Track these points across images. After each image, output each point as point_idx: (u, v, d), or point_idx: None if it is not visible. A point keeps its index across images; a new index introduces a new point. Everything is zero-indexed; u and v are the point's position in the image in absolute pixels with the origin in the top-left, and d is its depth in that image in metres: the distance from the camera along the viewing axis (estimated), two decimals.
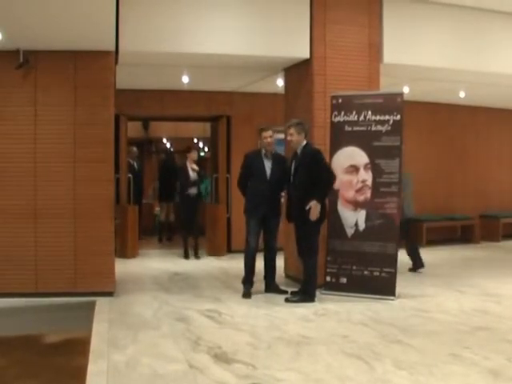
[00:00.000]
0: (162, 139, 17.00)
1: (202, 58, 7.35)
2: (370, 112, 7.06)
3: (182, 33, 6.95)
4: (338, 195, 7.12)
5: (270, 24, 7.26)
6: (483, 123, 12.68)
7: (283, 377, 4.30)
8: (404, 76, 8.87)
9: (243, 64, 7.92)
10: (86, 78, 6.85)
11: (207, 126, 13.57)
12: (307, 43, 7.44)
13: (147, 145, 16.74)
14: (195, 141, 17.13)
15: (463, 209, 12.33)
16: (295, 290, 6.92)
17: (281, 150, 9.30)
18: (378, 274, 6.93)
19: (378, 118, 7.03)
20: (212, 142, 12.21)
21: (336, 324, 5.79)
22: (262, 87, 10.02)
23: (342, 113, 7.18)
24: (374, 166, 7.01)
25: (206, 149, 16.87)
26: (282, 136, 8.71)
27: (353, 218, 7.08)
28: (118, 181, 9.75)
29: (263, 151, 7.17)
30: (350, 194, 7.10)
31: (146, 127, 15.45)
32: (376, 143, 7.02)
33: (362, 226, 7.05)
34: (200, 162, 11.79)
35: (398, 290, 6.94)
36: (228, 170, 10.62)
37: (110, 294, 6.92)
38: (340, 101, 7.20)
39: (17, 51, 6.66)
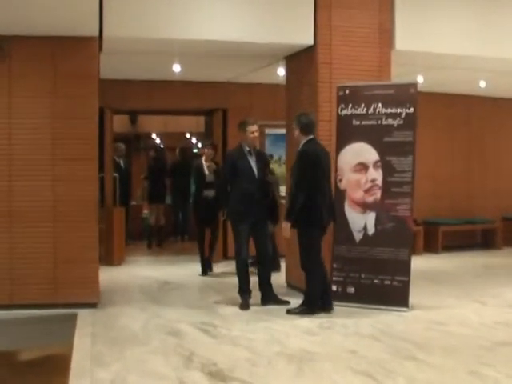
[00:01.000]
0: (151, 135, 16.99)
1: (194, 44, 7.33)
2: (380, 104, 7.05)
3: (172, 17, 6.94)
4: (344, 196, 7.11)
5: (269, 7, 7.25)
6: (505, 116, 12.66)
7: None
8: (418, 64, 8.86)
9: (240, 52, 7.89)
10: (66, 66, 6.83)
11: (201, 120, 13.56)
12: (311, 28, 7.42)
13: (135, 141, 16.72)
14: (187, 136, 17.14)
15: (483, 211, 12.33)
16: (286, 300, 6.97)
17: (282, 147, 9.34)
18: (389, 282, 6.91)
19: (389, 110, 7.02)
20: (206, 137, 12.18)
21: (343, 338, 5.77)
22: (262, 77, 10.00)
23: (350, 105, 7.16)
24: (384, 164, 6.99)
25: (200, 145, 16.86)
26: (283, 131, 8.71)
27: (361, 221, 7.06)
28: (102, 180, 9.74)
29: (246, 148, 7.13)
30: (358, 194, 7.09)
31: (133, 121, 15.44)
32: (387, 139, 7.00)
33: (371, 229, 7.04)
34: (192, 159, 11.80)
35: (412, 300, 6.92)
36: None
37: (93, 305, 6.90)
38: (347, 92, 7.19)
39: None
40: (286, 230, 6.52)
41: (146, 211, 12.62)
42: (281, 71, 8.91)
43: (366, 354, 5.24)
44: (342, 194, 7.10)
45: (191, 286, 8.39)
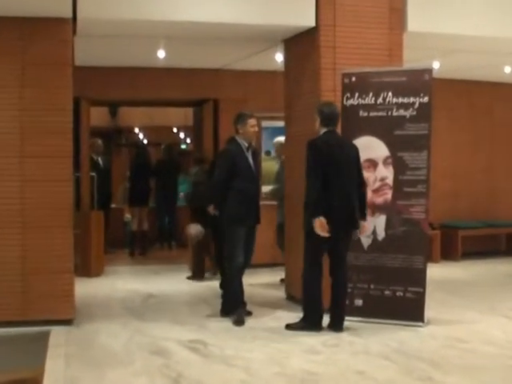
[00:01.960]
0: (133, 129, 17.00)
1: (181, 27, 7.33)
2: (390, 93, 7.04)
3: None
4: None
5: None
6: None
7: None
8: (433, 48, 8.86)
9: (233, 35, 7.90)
10: (36, 51, 6.81)
11: (189, 112, 13.56)
12: (312, 8, 7.42)
13: (115, 136, 16.73)
14: (175, 131, 17.15)
15: (508, 213, 12.33)
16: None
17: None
18: (401, 294, 6.91)
19: (400, 100, 7.01)
20: (195, 131, 12.20)
21: (350, 357, 5.77)
22: (257, 64, 10.00)
23: (356, 94, 7.16)
24: (395, 161, 6.99)
25: (188, 140, 16.88)
26: (281, 124, 8.70)
27: (370, 225, 7.04)
28: (78, 181, 9.73)
29: (244, 143, 7.18)
30: (367, 195, 7.08)
31: (113, 114, 15.44)
32: (398, 132, 7.00)
33: (381, 234, 7.04)
34: (179, 156, 11.80)
35: (428, 314, 6.92)
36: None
37: (68, 322, 6.88)
38: (353, 79, 7.18)
39: None
40: (321, 226, 6.37)
41: (127, 215, 12.62)
42: (279, 57, 8.90)
43: (376, 375, 5.24)
44: None
45: (179, 299, 8.38)
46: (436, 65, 9.39)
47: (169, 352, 5.93)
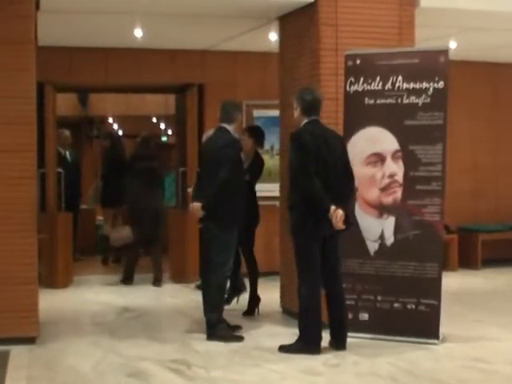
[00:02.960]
0: (106, 119, 16.96)
1: (161, 1, 7.32)
2: (400, 77, 7.06)
3: None
4: (355, 196, 7.11)
5: None
6: None
7: None
8: (449, 25, 8.88)
9: (221, 11, 7.90)
10: None
11: (171, 99, 13.53)
12: None
13: (85, 127, 16.69)
14: (154, 121, 17.12)
15: None
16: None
17: (275, 133, 9.33)
18: (413, 307, 6.92)
19: (412, 85, 7.03)
20: (178, 122, 12.17)
21: (354, 379, 5.77)
22: (248, 44, 10.01)
23: (362, 79, 7.17)
24: (406, 155, 7.01)
25: (170, 132, 16.85)
26: (276, 113, 8.71)
27: (377, 228, 7.08)
28: (43, 178, 9.70)
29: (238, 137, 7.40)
30: (373, 193, 7.10)
31: (83, 102, 15.39)
32: (409, 122, 7.02)
33: (389, 239, 7.05)
34: (160, 150, 11.77)
35: (444, 330, 6.93)
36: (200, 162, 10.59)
37: (30, 340, 6.86)
38: (358, 62, 7.19)
39: None
40: (338, 215, 6.39)
41: (99, 217, 12.60)
42: (273, 36, 8.91)
43: None
44: None
45: (158, 313, 8.39)
46: (453, 45, 9.41)
47: (147, 374, 5.92)
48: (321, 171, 6.44)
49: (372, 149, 7.10)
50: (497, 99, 12.22)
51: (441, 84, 6.96)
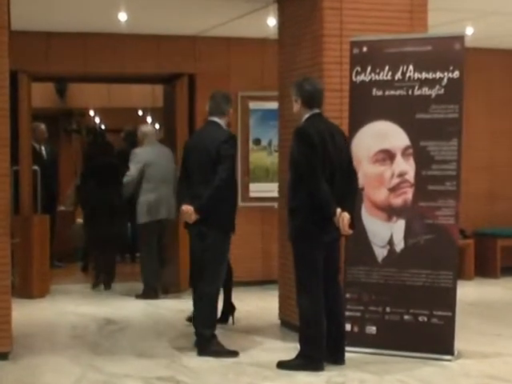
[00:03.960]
0: (87, 111, 16.95)
1: None
2: (411, 67, 7.06)
3: None
4: (361, 197, 7.12)
5: None
6: None
7: None
8: (466, 9, 8.90)
9: None
10: None
11: (158, 90, 13.53)
12: None
13: (64, 120, 16.68)
14: (140, 113, 17.11)
15: None
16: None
17: (273, 128, 9.35)
18: (425, 319, 6.92)
19: (424, 75, 7.04)
20: (166, 115, 12.18)
21: None
22: (244, 29, 10.02)
23: (369, 68, 7.18)
24: (418, 152, 7.01)
25: (157, 125, 16.83)
26: (275, 105, 8.71)
27: (385, 233, 7.08)
28: (16, 176, 9.70)
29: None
30: (381, 194, 7.11)
31: (61, 92, 15.40)
32: (421, 115, 7.03)
33: (399, 244, 7.06)
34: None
35: (459, 345, 6.93)
36: None
37: (3, 355, 6.85)
38: (365, 49, 7.20)
39: None
40: (345, 218, 6.43)
41: (79, 220, 12.59)
42: (271, 21, 8.92)
43: None
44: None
45: (144, 326, 8.39)
46: (469, 31, 9.44)
47: None
48: (326, 170, 6.46)
49: (380, 145, 7.10)
50: None
51: (456, 74, 6.96)
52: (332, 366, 6.56)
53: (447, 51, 7.00)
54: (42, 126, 11.79)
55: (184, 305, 9.37)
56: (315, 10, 7.53)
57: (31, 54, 9.89)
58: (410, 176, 7.04)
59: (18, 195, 9.94)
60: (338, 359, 6.65)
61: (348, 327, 7.06)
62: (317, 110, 6.69)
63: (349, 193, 6.60)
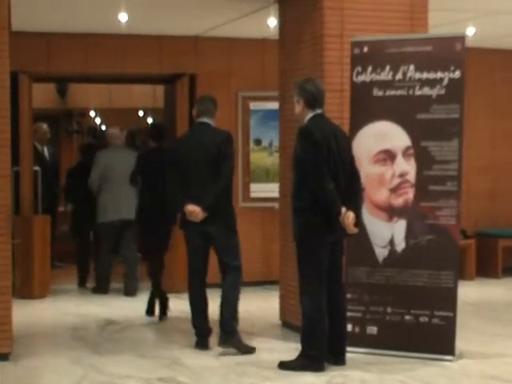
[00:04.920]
0: (88, 112, 16.94)
1: None
2: (412, 67, 7.06)
3: None
4: (362, 197, 7.11)
5: None
6: None
7: None
8: (467, 9, 8.89)
9: None
10: None
11: (159, 90, 13.53)
12: None
13: (65, 120, 16.67)
14: (140, 114, 17.11)
15: None
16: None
17: (273, 128, 9.35)
18: (426, 319, 6.92)
19: (425, 75, 7.03)
20: (167, 115, 12.17)
21: None
22: (245, 30, 10.02)
23: (369, 68, 7.17)
24: (419, 152, 7.01)
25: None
26: (275, 106, 8.71)
27: (386, 233, 7.08)
28: (17, 177, 9.70)
29: None
30: (382, 195, 7.11)
31: (62, 93, 15.39)
32: (422, 115, 7.02)
33: (400, 244, 7.05)
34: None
35: (460, 345, 6.93)
36: None
37: (4, 356, 6.84)
38: (366, 50, 7.20)
39: None
40: (350, 217, 6.45)
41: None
42: (272, 21, 8.92)
43: None
44: None
45: (145, 326, 8.40)
46: (470, 31, 9.43)
47: None
48: (330, 170, 6.46)
49: (381, 145, 7.10)
50: None
51: (457, 74, 6.96)
52: (333, 366, 6.56)
53: (448, 51, 6.99)
54: (45, 127, 11.78)
55: (184, 305, 9.37)
56: (316, 10, 7.52)
57: (32, 55, 9.89)
58: (411, 176, 7.04)
59: (18, 196, 9.94)
60: (338, 360, 6.65)
61: (349, 327, 7.06)
62: (319, 111, 6.69)
63: (353, 192, 6.61)
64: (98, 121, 17.18)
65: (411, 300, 6.97)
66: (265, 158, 10.32)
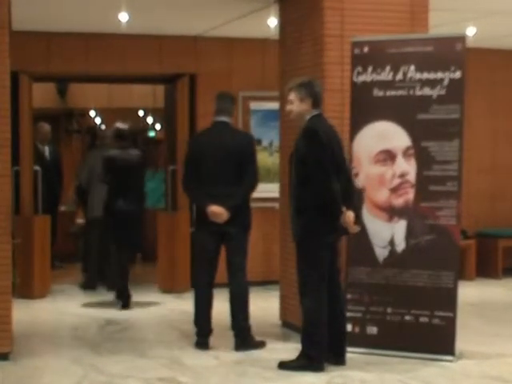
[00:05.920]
0: (87, 111, 16.93)
1: None
2: (413, 67, 7.06)
3: None
4: (362, 197, 7.13)
5: None
6: None
7: None
8: (467, 9, 8.89)
9: None
10: None
11: (159, 90, 13.53)
12: None
13: (65, 120, 16.66)
14: (140, 114, 17.10)
15: None
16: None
17: (274, 128, 9.36)
18: (426, 320, 6.93)
19: (425, 76, 7.04)
20: (167, 115, 12.18)
21: None
22: (245, 30, 10.03)
23: (370, 69, 7.18)
24: (419, 152, 7.01)
25: (158, 126, 16.84)
26: (276, 106, 8.72)
27: (386, 233, 7.09)
28: (17, 176, 9.70)
29: None
30: (382, 195, 7.11)
31: (62, 93, 15.38)
32: (423, 116, 7.03)
33: (400, 245, 7.06)
34: (146, 147, 11.79)
35: (460, 345, 6.93)
36: None
37: (3, 356, 6.85)
38: (366, 50, 7.20)
39: None
40: (351, 216, 6.48)
41: (80, 220, 12.57)
42: (272, 21, 8.92)
43: None
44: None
45: (145, 326, 8.40)
46: (471, 31, 9.43)
47: None
48: (334, 169, 6.48)
49: (381, 145, 7.10)
50: None
51: (457, 74, 6.96)
52: (333, 366, 6.57)
53: (448, 51, 7.00)
54: (46, 127, 11.78)
55: (185, 305, 9.39)
56: (316, 10, 7.53)
57: (32, 55, 9.90)
58: (411, 176, 7.05)
59: (18, 195, 9.95)
60: (339, 360, 6.66)
61: (349, 328, 7.07)
62: (319, 111, 6.70)
63: (350, 191, 6.62)
64: (97, 120, 17.17)
65: (411, 300, 6.98)
66: (265, 158, 10.31)
